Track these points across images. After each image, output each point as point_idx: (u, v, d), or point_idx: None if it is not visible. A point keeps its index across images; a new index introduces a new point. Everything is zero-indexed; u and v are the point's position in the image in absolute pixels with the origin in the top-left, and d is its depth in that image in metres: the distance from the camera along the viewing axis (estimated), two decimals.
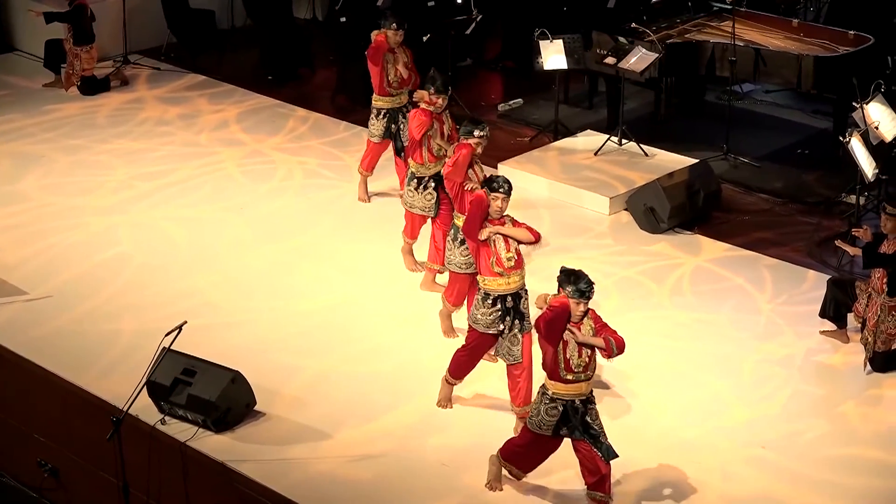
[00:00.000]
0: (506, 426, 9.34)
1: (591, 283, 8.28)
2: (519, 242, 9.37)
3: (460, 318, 10.28)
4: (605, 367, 10.15)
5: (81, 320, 10.81)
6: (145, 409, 9.43)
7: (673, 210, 12.23)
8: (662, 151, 13.52)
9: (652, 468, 8.95)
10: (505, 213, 9.39)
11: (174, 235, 12.20)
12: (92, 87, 15.43)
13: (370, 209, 12.73)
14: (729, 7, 14.18)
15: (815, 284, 11.18)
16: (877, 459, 9.20)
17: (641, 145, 13.53)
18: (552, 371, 8.37)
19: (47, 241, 12.08)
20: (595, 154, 13.49)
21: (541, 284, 11.27)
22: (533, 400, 8.74)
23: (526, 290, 9.48)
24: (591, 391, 8.50)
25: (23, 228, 12.32)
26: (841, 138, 11.51)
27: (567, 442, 8.50)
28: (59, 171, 13.49)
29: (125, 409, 9.07)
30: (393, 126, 12.41)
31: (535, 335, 8.69)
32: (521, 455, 8.72)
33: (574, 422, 8.39)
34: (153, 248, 11.95)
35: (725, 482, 8.94)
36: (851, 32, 13.63)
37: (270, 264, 11.70)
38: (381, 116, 12.42)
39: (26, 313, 10.90)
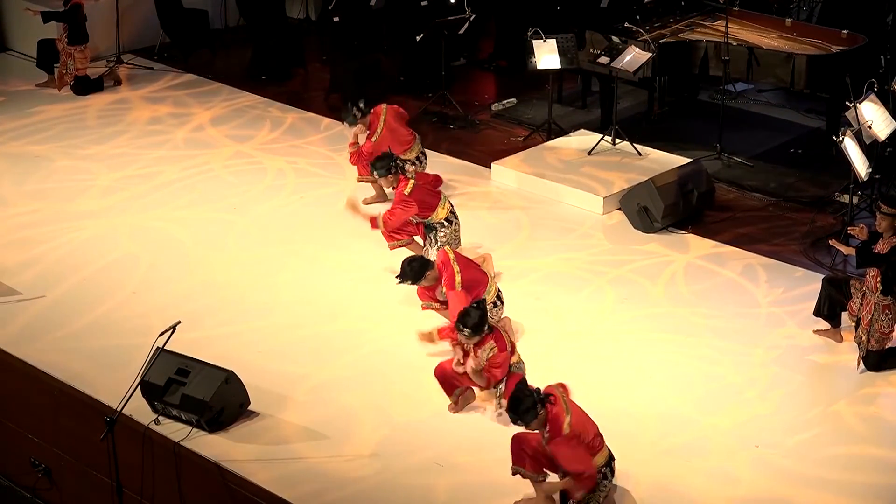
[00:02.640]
0: (502, 427, 9.33)
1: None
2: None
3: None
4: (599, 367, 10.18)
5: (77, 324, 10.77)
6: (139, 409, 9.41)
7: (666, 209, 12.23)
8: (656, 151, 13.52)
9: (646, 469, 8.94)
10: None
11: (171, 237, 12.15)
12: (85, 86, 15.41)
13: (368, 209, 12.67)
14: (722, 6, 14.19)
15: (808, 283, 11.18)
16: (871, 456, 9.21)
17: (635, 145, 13.53)
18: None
19: (43, 246, 11.98)
20: (588, 153, 13.49)
21: (534, 286, 11.32)
22: None
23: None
24: None
25: (14, 233, 12.25)
26: (834, 137, 11.52)
27: None
28: (49, 173, 13.43)
29: (119, 408, 9.06)
30: None
31: None
32: None
33: None
34: (149, 251, 11.88)
35: (720, 481, 8.92)
36: (844, 32, 13.63)
37: (266, 265, 11.67)
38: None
39: (19, 317, 10.88)
